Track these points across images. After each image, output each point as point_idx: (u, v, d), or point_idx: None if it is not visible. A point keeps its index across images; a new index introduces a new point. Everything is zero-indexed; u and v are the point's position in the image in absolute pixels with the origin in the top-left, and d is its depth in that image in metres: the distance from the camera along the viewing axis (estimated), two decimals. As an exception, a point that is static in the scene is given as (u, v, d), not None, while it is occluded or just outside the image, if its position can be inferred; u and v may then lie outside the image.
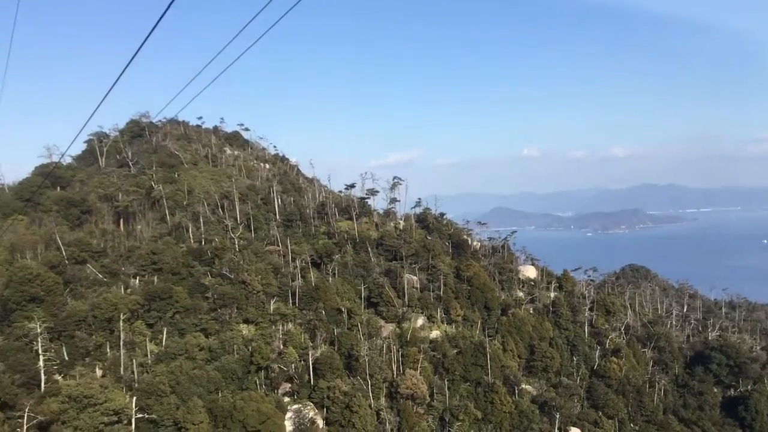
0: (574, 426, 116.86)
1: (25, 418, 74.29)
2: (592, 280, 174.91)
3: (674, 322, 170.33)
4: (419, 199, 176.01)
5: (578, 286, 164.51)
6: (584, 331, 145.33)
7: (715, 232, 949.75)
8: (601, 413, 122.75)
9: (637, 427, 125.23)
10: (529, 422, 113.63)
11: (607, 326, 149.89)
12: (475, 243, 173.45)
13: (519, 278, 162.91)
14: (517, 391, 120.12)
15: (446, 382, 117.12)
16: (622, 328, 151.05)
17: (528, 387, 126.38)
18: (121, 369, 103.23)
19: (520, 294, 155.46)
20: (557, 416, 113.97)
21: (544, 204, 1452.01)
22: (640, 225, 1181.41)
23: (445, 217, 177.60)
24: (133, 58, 14.79)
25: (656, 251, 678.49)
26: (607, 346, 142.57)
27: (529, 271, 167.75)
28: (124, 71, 15.82)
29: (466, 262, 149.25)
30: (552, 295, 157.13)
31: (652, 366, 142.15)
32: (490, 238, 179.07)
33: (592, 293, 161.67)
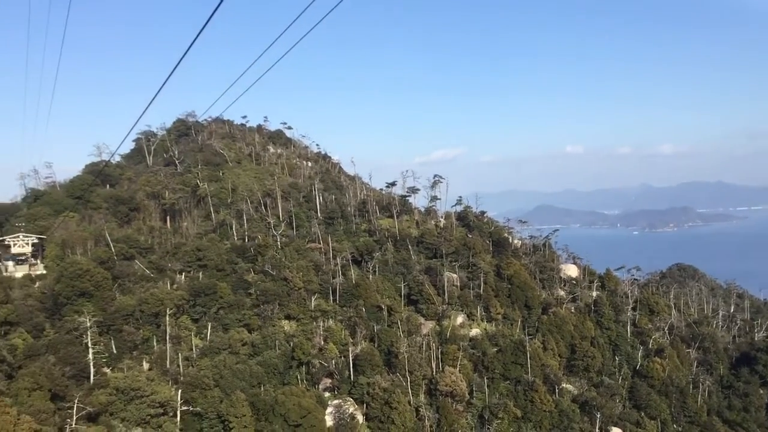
0: (615, 426, 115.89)
1: (75, 408, 76.99)
2: (635, 279, 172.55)
3: (720, 323, 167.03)
4: (460, 197, 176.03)
5: (621, 286, 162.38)
6: (627, 331, 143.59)
7: (766, 231, 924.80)
8: (643, 414, 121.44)
9: (680, 428, 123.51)
10: (569, 421, 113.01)
11: (650, 326, 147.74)
12: (515, 241, 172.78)
13: (560, 277, 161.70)
14: (557, 390, 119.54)
15: (486, 380, 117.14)
16: (666, 328, 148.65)
17: (569, 386, 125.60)
18: (167, 362, 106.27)
19: (562, 293, 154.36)
20: (598, 416, 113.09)
21: (589, 202, 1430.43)
22: (689, 223, 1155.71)
23: (485, 215, 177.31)
24: (182, 58, 15.03)
25: (705, 250, 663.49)
26: (650, 346, 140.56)
27: (571, 270, 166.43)
28: (173, 72, 16.14)
29: (506, 260, 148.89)
30: (594, 294, 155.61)
31: (697, 366, 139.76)
32: (531, 237, 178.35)
33: (635, 293, 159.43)
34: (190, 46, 14.52)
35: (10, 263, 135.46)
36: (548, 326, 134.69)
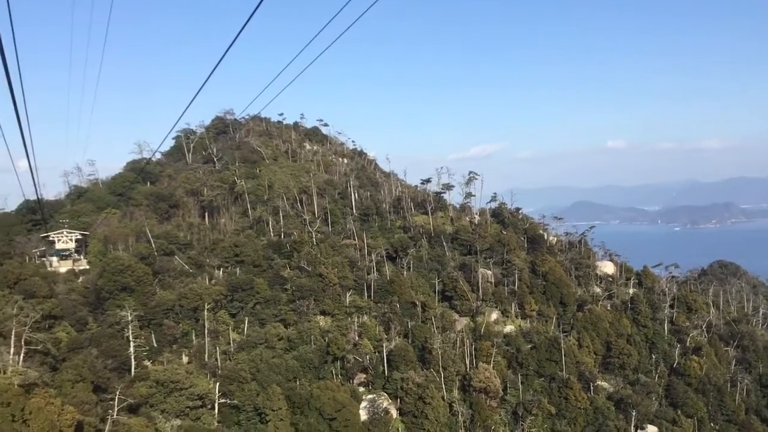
0: (651, 424, 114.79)
1: (116, 400, 78.97)
2: (673, 277, 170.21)
3: (761, 321, 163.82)
4: (494, 193, 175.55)
5: (659, 283, 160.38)
6: (664, 329, 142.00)
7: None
8: (679, 412, 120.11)
9: (717, 427, 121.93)
10: (604, 419, 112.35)
11: (688, 324, 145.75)
12: (551, 238, 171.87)
13: (596, 274, 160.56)
14: (592, 388, 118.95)
15: (520, 377, 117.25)
16: (704, 326, 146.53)
17: (604, 384, 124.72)
18: (206, 356, 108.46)
19: (597, 290, 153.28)
20: (633, 413, 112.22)
21: (629, 197, 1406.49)
22: (732, 219, 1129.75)
23: (520, 211, 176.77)
24: (222, 58, 15.24)
25: (748, 247, 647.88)
26: (687, 344, 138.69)
27: (607, 267, 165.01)
28: (213, 71, 16.39)
29: (541, 257, 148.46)
30: (630, 291, 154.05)
31: (735, 365, 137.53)
32: (566, 233, 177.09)
33: (673, 290, 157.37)
34: (228, 48, 14.70)
35: (55, 258, 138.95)
36: (583, 323, 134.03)
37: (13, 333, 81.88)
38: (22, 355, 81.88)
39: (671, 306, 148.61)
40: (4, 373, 73.99)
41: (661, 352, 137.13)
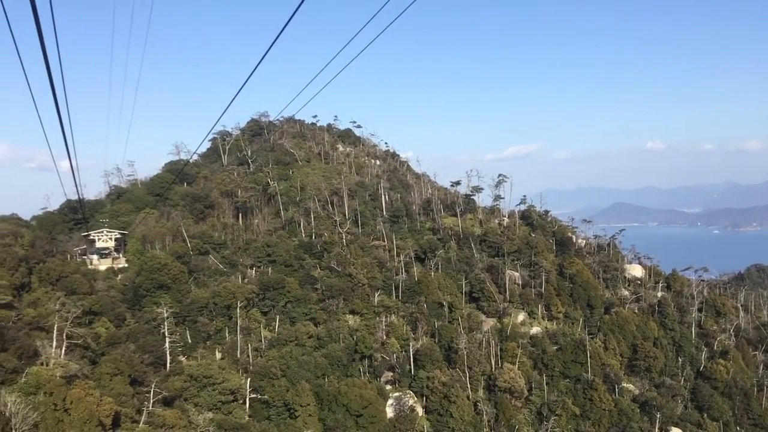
0: (675, 426, 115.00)
1: (152, 393, 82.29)
2: (703, 280, 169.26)
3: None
4: (524, 196, 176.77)
5: (688, 287, 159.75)
6: (691, 332, 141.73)
7: None
8: (705, 415, 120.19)
9: (743, 431, 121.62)
10: (628, 420, 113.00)
11: (716, 328, 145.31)
12: (580, 240, 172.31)
13: (625, 277, 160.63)
14: (617, 390, 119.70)
15: (545, 378, 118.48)
16: (732, 330, 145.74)
17: (629, 386, 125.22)
18: (238, 352, 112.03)
19: (626, 292, 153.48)
20: (658, 416, 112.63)
21: (668, 199, 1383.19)
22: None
23: (549, 214, 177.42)
24: (260, 62, 15.07)
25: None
26: (714, 347, 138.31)
27: (636, 270, 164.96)
28: (252, 74, 16.20)
29: (569, 259, 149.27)
30: (659, 294, 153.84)
31: (763, 369, 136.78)
32: (596, 236, 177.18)
33: (703, 294, 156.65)
34: (265, 54, 14.76)
35: (95, 257, 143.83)
36: (610, 326, 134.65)
37: (55, 328, 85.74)
38: (63, 348, 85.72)
39: (700, 310, 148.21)
40: (47, 365, 77.94)
41: (688, 355, 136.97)
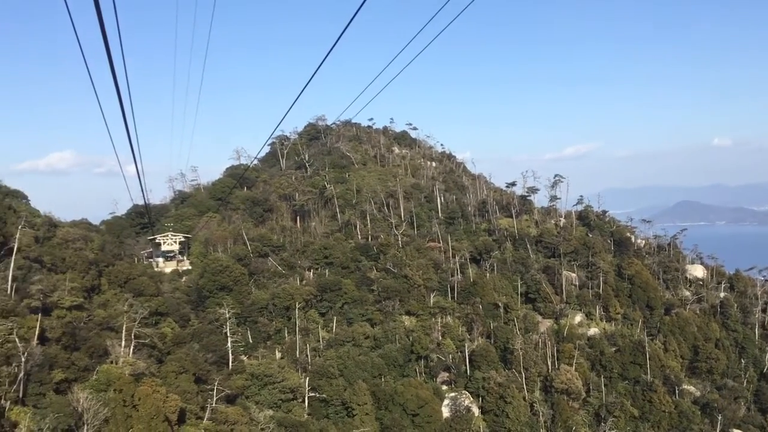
0: (737, 429, 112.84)
1: (215, 390, 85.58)
2: (767, 281, 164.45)
3: None
4: (581, 196, 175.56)
5: (752, 287, 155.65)
6: (755, 333, 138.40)
7: None
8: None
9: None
10: (689, 423, 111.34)
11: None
12: (639, 241, 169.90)
13: (686, 277, 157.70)
14: (677, 391, 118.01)
15: (603, 379, 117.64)
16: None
17: (690, 388, 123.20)
18: (297, 352, 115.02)
19: (687, 293, 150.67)
20: (719, 418, 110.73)
21: (737, 197, 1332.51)
22: None
23: (607, 214, 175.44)
24: (319, 66, 15.07)
25: None
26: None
27: (697, 270, 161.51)
28: (311, 79, 16.16)
29: (628, 260, 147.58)
30: (721, 295, 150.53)
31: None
32: (656, 236, 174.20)
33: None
34: (327, 53, 14.57)
35: (161, 259, 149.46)
36: (670, 327, 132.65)
37: (124, 328, 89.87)
38: (132, 347, 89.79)
39: (764, 310, 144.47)
40: (117, 363, 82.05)
41: (751, 357, 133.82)
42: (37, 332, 77.12)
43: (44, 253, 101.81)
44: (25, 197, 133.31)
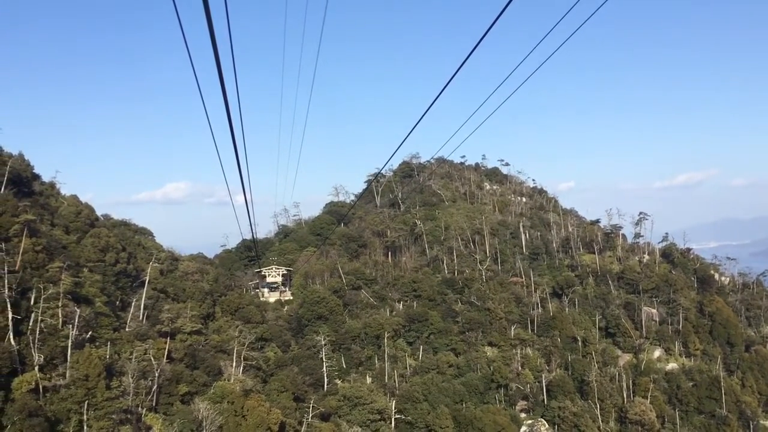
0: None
1: (311, 409, 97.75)
2: None
3: None
4: (666, 233, 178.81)
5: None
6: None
7: None
8: None
9: None
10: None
11: None
12: (723, 278, 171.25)
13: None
14: (752, 426, 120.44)
15: (677, 412, 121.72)
16: None
17: (766, 423, 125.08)
18: (386, 378, 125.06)
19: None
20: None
21: None
22: None
23: (691, 251, 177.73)
24: (434, 101, 14.95)
25: None
26: None
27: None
28: (424, 115, 16.11)
29: (709, 297, 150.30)
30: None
31: None
32: (741, 273, 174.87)
33: None
34: (434, 101, 14.82)
35: (266, 290, 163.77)
36: (749, 363, 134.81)
37: (234, 351, 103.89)
38: (241, 368, 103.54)
39: None
40: (229, 380, 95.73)
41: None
42: (165, 353, 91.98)
43: (168, 285, 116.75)
44: (150, 233, 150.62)
